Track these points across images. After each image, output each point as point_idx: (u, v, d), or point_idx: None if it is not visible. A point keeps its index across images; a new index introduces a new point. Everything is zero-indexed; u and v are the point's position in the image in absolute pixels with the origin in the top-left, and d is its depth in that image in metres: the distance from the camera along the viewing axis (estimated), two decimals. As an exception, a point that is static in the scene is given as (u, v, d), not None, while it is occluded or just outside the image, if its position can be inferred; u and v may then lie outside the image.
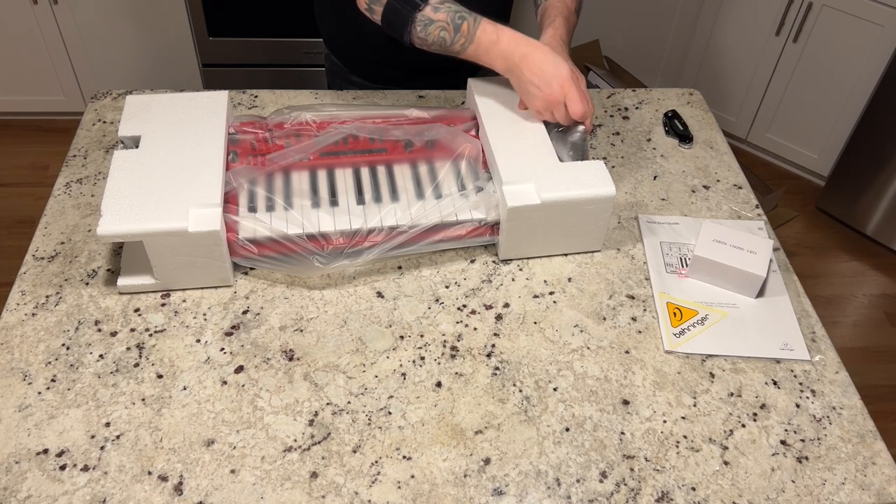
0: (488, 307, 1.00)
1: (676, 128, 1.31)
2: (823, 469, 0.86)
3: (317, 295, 1.00)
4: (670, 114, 1.34)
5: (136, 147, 1.04)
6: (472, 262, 1.06)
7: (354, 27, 1.33)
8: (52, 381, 0.89)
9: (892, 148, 2.30)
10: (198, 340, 0.94)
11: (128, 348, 0.93)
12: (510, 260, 1.07)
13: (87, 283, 1.00)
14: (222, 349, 0.93)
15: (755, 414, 0.91)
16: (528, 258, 1.07)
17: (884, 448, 0.89)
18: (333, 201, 1.04)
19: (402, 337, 0.96)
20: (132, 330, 0.95)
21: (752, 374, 0.95)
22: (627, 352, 0.96)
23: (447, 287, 1.03)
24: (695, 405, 0.91)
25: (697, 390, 0.93)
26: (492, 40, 1.05)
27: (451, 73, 1.40)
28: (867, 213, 2.47)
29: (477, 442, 0.86)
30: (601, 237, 1.07)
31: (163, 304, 0.98)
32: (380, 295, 1.01)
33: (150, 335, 0.94)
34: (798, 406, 0.92)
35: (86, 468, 0.81)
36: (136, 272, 0.98)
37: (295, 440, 0.85)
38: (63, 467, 0.81)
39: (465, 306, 1.00)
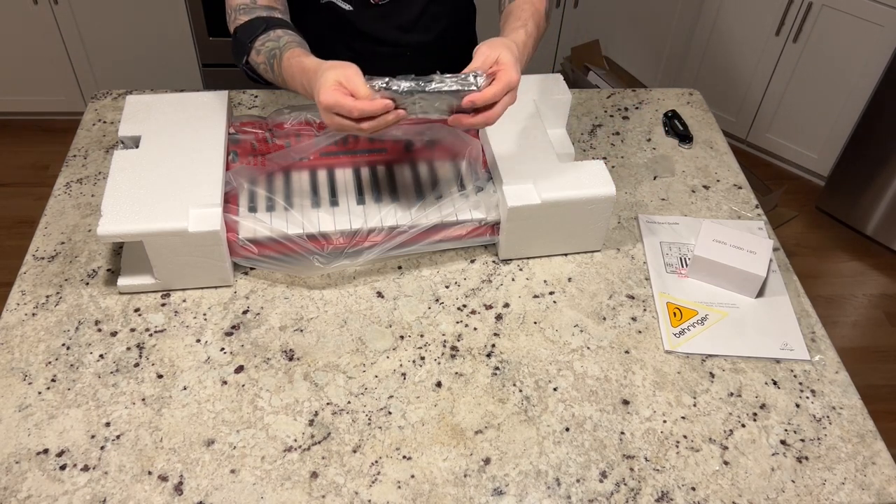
0: (488, 307, 1.00)
1: (676, 128, 1.31)
2: (823, 469, 0.86)
3: (317, 295, 1.00)
4: (670, 114, 1.34)
5: (136, 147, 1.04)
6: (472, 262, 1.06)
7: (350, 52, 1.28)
8: (53, 381, 0.89)
9: (892, 148, 2.30)
10: (198, 340, 0.94)
11: (128, 348, 0.93)
12: (510, 260, 1.07)
13: (87, 283, 1.00)
14: (222, 349, 0.93)
15: (755, 414, 0.91)
16: (528, 258, 1.07)
17: (884, 448, 0.89)
18: (333, 201, 1.04)
19: (402, 337, 0.96)
20: (132, 330, 0.95)
21: (751, 374, 0.95)
22: (627, 352, 0.96)
23: (447, 287, 1.03)
24: (695, 405, 0.91)
25: (697, 390, 0.93)
26: (290, 73, 0.96)
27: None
28: (867, 213, 2.46)
29: (477, 442, 0.86)
30: (601, 237, 1.07)
31: (163, 304, 0.98)
32: (380, 295, 1.01)
33: (151, 335, 0.94)
34: (798, 406, 0.92)
35: (86, 468, 0.81)
36: (136, 272, 0.98)
37: (295, 440, 0.85)
38: (63, 467, 0.81)
39: (465, 306, 1.00)
